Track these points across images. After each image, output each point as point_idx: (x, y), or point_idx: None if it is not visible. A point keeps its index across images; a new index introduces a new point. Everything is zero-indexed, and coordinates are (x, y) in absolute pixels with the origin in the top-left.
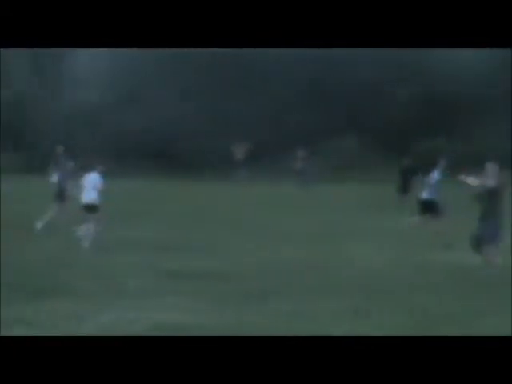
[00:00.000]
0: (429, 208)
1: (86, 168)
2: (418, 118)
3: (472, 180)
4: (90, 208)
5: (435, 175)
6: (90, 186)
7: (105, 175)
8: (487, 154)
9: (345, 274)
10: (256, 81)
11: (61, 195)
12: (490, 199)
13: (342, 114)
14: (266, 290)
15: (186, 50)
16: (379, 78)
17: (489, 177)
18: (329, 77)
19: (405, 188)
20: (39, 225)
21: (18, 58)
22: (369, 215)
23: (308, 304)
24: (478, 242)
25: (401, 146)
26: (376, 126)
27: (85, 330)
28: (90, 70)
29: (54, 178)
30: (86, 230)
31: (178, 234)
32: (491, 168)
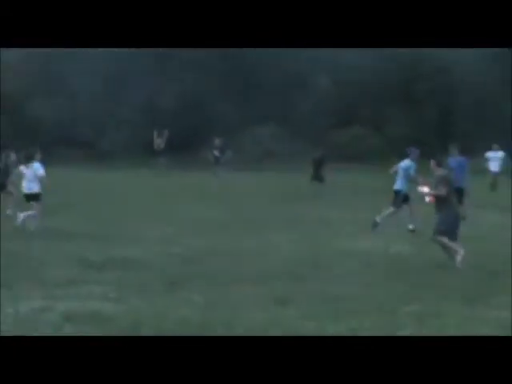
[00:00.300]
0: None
1: (27, 158)
2: (334, 108)
3: (428, 192)
4: (33, 197)
5: (403, 165)
6: (32, 176)
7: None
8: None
9: (263, 263)
10: (176, 70)
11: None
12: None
13: (259, 103)
14: (182, 279)
15: None
16: (297, 69)
17: (438, 182)
18: (248, 67)
19: (318, 177)
20: None
21: None
22: (285, 204)
23: (225, 292)
24: (437, 233)
25: (316, 135)
26: (292, 116)
27: (3, 320)
28: (9, 59)
29: None
30: (27, 217)
31: (100, 222)
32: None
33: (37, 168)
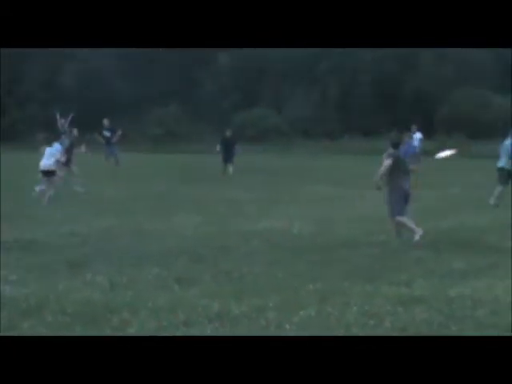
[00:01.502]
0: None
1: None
2: (235, 89)
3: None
4: (46, 173)
5: (507, 143)
6: (50, 154)
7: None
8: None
9: (166, 243)
10: (82, 50)
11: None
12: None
13: (164, 83)
14: (85, 260)
15: None
16: (199, 48)
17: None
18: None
19: (227, 158)
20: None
21: None
22: (188, 185)
23: (129, 273)
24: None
25: (218, 116)
26: (194, 97)
27: None
28: None
29: None
30: (42, 190)
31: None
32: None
33: (57, 148)
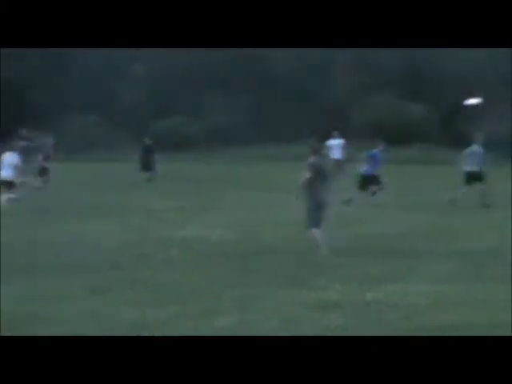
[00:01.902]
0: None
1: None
2: (155, 97)
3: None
4: (9, 183)
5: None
6: (7, 164)
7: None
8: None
9: (82, 252)
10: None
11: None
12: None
13: (82, 92)
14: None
15: None
16: (117, 56)
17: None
18: (68, 56)
19: (147, 166)
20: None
21: None
22: (107, 193)
23: (41, 283)
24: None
25: (138, 125)
26: (114, 106)
27: None
28: None
29: None
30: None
31: None
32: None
33: (14, 158)
